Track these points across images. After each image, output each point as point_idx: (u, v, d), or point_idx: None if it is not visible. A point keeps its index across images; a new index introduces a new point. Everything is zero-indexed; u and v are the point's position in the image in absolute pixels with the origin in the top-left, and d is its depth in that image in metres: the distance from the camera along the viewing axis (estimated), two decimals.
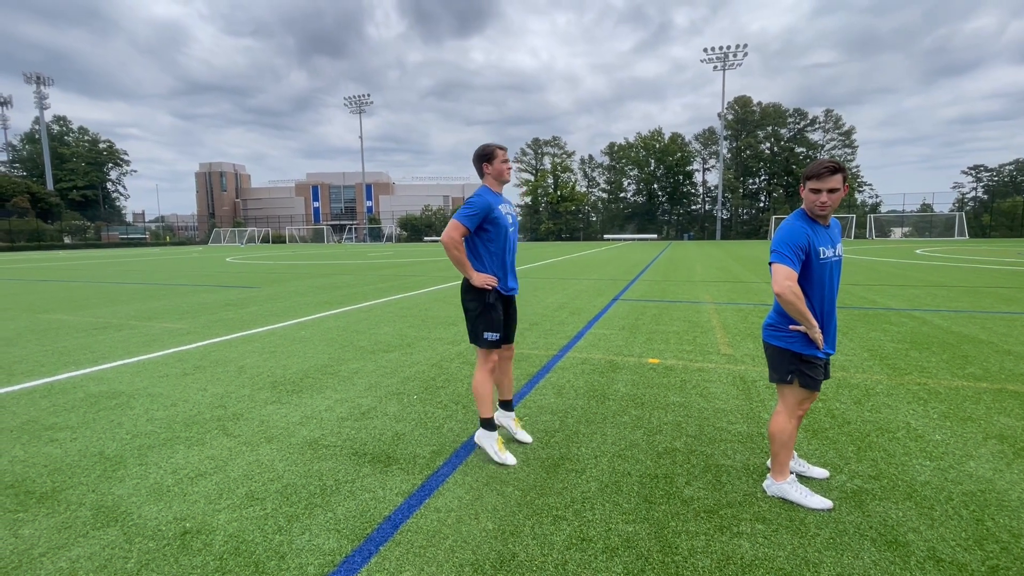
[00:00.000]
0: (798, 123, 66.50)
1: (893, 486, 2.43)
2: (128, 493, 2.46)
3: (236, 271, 17.04)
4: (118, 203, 78.79)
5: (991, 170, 62.62)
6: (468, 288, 2.84)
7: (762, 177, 69.00)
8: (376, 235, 73.50)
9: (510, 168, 2.92)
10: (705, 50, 58.76)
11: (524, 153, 74.75)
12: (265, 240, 69.64)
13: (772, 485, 2.37)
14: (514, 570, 1.89)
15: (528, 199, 71.08)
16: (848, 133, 65.07)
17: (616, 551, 1.99)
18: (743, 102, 67.20)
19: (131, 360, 5.00)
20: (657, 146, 69.58)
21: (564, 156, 73.19)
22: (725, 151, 64.55)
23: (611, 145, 73.29)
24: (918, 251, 24.06)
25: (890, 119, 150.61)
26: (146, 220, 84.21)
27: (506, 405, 3.11)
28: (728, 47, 57.41)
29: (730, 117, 66.42)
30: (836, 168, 2.15)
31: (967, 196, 61.24)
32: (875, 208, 59.43)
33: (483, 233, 2.79)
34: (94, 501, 2.39)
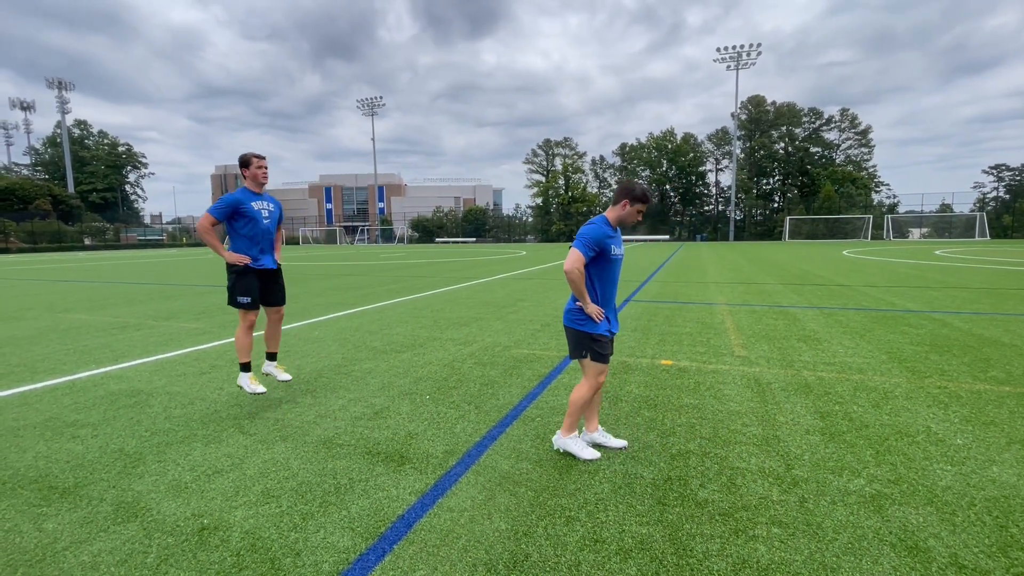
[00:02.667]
0: (813, 122, 65.67)
1: (913, 491, 2.39)
2: (147, 489, 2.51)
3: None
4: (136, 205, 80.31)
5: (1013, 169, 61.22)
6: (227, 263, 3.70)
7: (776, 177, 68.24)
8: (388, 236, 73.99)
9: (265, 172, 3.77)
10: (718, 49, 58.30)
11: (535, 154, 74.75)
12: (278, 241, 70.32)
13: (559, 439, 2.87)
14: (527, 570, 1.88)
15: (539, 200, 70.99)
16: (864, 132, 64.11)
17: (630, 553, 1.98)
18: (757, 102, 66.54)
19: (150, 359, 5.09)
20: (669, 147, 69.13)
21: (575, 157, 73.00)
22: (738, 151, 63.93)
23: (623, 146, 73.03)
24: (937, 252, 23.59)
25: (907, 118, 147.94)
26: (163, 222, 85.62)
27: (271, 356, 4.05)
28: (741, 46, 56.87)
29: (743, 117, 65.79)
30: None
31: (988, 196, 59.98)
32: (892, 208, 58.43)
33: (235, 222, 3.67)
34: (115, 497, 2.44)
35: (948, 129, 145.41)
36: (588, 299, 2.72)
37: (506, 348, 5.32)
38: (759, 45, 56.42)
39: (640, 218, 2.76)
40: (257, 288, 3.74)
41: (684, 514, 2.23)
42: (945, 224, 53.49)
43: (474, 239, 68.42)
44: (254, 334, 3.90)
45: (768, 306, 7.91)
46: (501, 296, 9.57)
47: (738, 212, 63.44)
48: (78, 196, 64.83)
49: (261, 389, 3.71)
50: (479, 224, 71.26)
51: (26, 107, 74.99)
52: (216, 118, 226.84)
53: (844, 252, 25.15)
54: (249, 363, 3.78)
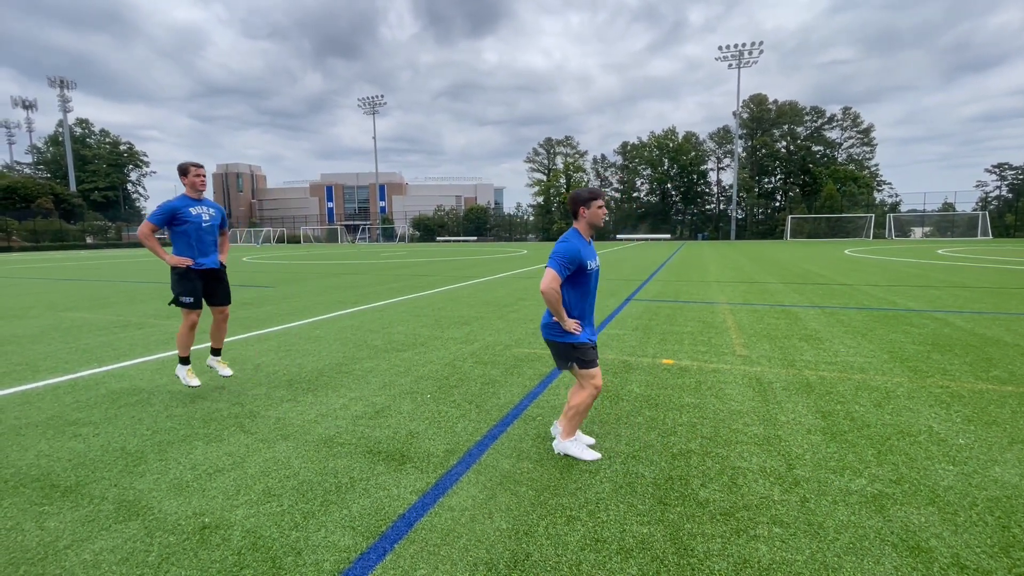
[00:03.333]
0: (815, 121, 65.47)
1: (915, 491, 2.38)
2: (149, 488, 2.51)
3: (252, 271, 17.29)
4: (138, 204, 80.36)
5: (1016, 168, 61.00)
6: (170, 265, 3.98)
7: (778, 176, 68.06)
8: (389, 235, 74.00)
9: (202, 180, 4.00)
10: (720, 48, 58.12)
11: (536, 153, 74.70)
12: (280, 240, 70.54)
13: (559, 444, 2.87)
14: (528, 570, 1.88)
15: (540, 199, 70.91)
16: (867, 131, 63.93)
17: (631, 552, 1.97)
18: (758, 100, 66.36)
19: (151, 358, 5.09)
20: (671, 145, 68.97)
21: (576, 156, 72.96)
22: (740, 150, 63.80)
23: (624, 145, 72.85)
24: (940, 251, 23.54)
25: (909, 117, 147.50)
26: None
27: (216, 352, 4.33)
28: (743, 45, 56.71)
29: (745, 116, 65.62)
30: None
31: (991, 195, 59.77)
32: (895, 207, 58.25)
33: (175, 227, 3.91)
34: (116, 495, 2.44)
35: (951, 128, 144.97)
36: (564, 316, 2.73)
37: (507, 347, 5.32)
38: (761, 43, 56.27)
39: (604, 212, 2.80)
40: (199, 288, 4.03)
41: (685, 513, 2.23)
42: (947, 223, 53.31)
43: (475, 238, 68.41)
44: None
45: (769, 305, 7.90)
46: (502, 295, 9.56)
47: (740, 211, 63.26)
48: (80, 195, 64.89)
49: (196, 382, 4.02)
50: (480, 223, 71.24)
51: (28, 106, 75.04)
52: (217, 117, 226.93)
53: (846, 251, 25.10)
54: (188, 357, 4.07)
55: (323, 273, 15.53)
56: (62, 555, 2.00)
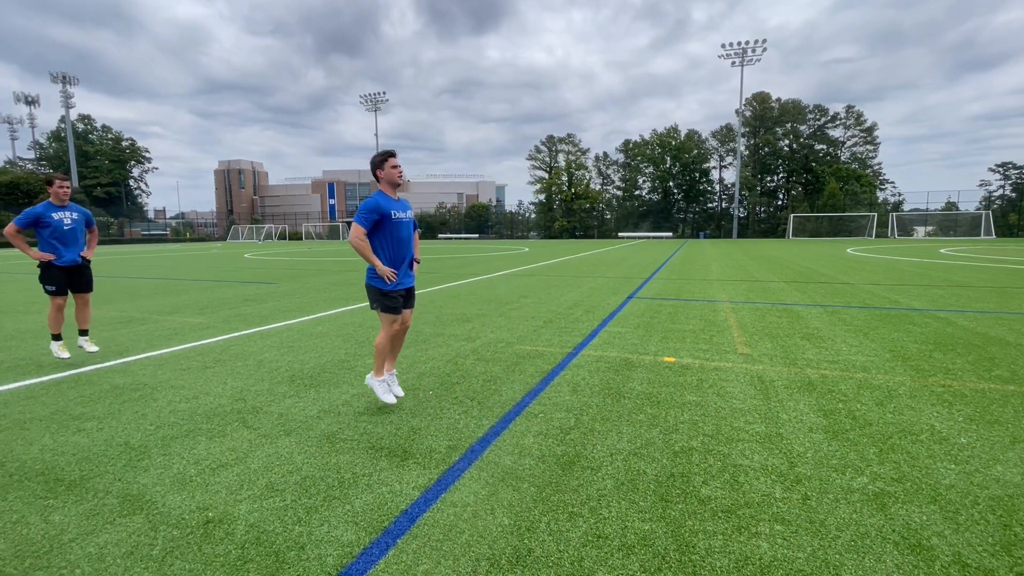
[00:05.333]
0: (818, 119, 65.27)
1: (917, 489, 2.38)
2: (152, 482, 2.52)
3: (254, 267, 17.31)
4: (140, 200, 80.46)
5: (1020, 167, 60.70)
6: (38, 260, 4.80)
7: (780, 175, 67.88)
8: None
9: (66, 192, 4.83)
10: (723, 46, 57.98)
11: (538, 150, 74.50)
12: (282, 237, 70.61)
13: (370, 379, 3.39)
14: (530, 565, 1.89)
15: (542, 196, 70.82)
16: (870, 130, 63.73)
17: (632, 549, 1.98)
18: (761, 98, 66.14)
19: (154, 353, 5.11)
20: (673, 143, 68.80)
21: (578, 154, 72.79)
22: (743, 148, 63.63)
23: (626, 142, 72.67)
24: (942, 250, 23.47)
25: (913, 115, 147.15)
26: (167, 217, 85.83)
27: (83, 332, 5.11)
28: (746, 42, 56.45)
29: (748, 114, 65.43)
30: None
31: (994, 194, 59.51)
32: (897, 206, 58.09)
33: (41, 230, 4.74)
34: (120, 489, 2.46)
35: (954, 126, 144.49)
36: (377, 262, 3.23)
37: (509, 344, 5.33)
38: (764, 41, 56.02)
39: (399, 171, 3.30)
40: (63, 279, 4.87)
41: (687, 511, 2.23)
42: (950, 222, 53.14)
43: (477, 235, 68.41)
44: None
45: (771, 304, 7.89)
46: (504, 292, 9.57)
47: (742, 209, 63.14)
48: (82, 191, 64.98)
49: (66, 355, 4.86)
50: (482, 220, 71.23)
51: (31, 101, 75.02)
52: (219, 113, 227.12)
53: (848, 250, 25.05)
54: (59, 335, 4.93)
55: (325, 270, 15.55)
56: (67, 548, 2.01)
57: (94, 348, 5.08)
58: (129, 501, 2.35)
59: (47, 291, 4.84)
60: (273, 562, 1.92)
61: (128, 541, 2.05)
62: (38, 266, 4.84)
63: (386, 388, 3.37)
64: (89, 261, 5.11)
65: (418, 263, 3.67)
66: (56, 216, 4.76)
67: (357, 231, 3.18)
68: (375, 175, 3.34)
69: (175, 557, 1.95)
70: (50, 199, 4.82)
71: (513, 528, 2.12)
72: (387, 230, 3.26)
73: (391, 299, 3.29)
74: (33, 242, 5.20)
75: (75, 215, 4.92)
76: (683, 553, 1.95)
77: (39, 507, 2.31)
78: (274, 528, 2.13)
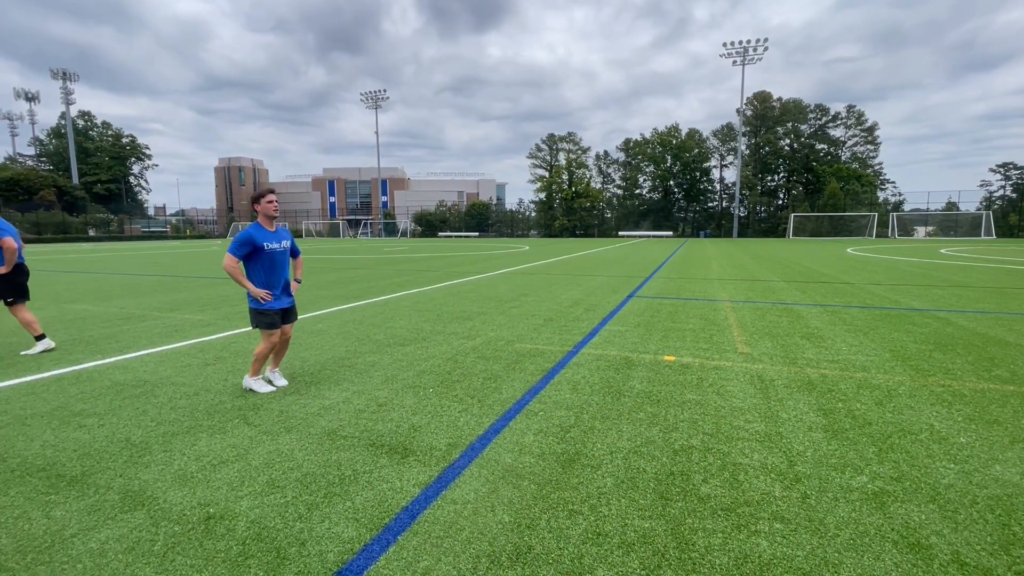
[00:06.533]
0: (819, 119, 65.10)
1: (916, 488, 2.39)
2: (154, 478, 2.53)
3: None
4: (140, 197, 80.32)
5: (1021, 168, 60.61)
6: None
7: (781, 174, 67.75)
8: (391, 230, 73.99)
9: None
10: (724, 44, 57.79)
11: (539, 149, 74.29)
12: None
13: (247, 380, 3.86)
14: (530, 562, 1.90)
15: (542, 195, 70.72)
16: (871, 129, 63.56)
17: (632, 546, 1.99)
18: (762, 97, 65.99)
19: (155, 350, 5.12)
20: (674, 142, 68.64)
21: (579, 152, 72.58)
22: (743, 147, 63.54)
23: (627, 141, 72.54)
24: (943, 251, 23.47)
25: (914, 115, 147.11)
26: (167, 214, 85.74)
27: None
28: (748, 41, 56.32)
29: (749, 113, 65.28)
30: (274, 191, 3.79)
31: (995, 195, 59.45)
32: (898, 206, 58.01)
33: None
34: (121, 485, 2.46)
35: (956, 126, 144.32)
36: (249, 285, 3.66)
37: (509, 343, 5.33)
38: (766, 40, 55.91)
39: (274, 207, 3.70)
40: None
41: (686, 509, 2.24)
42: (951, 223, 53.08)
43: (477, 233, 68.37)
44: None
45: (771, 303, 7.90)
46: (504, 291, 9.57)
47: (742, 209, 63.09)
48: (82, 187, 64.89)
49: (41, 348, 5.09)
50: (482, 219, 71.16)
51: (31, 98, 74.94)
52: (220, 110, 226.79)
53: (848, 250, 25.04)
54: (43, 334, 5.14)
55: (325, 268, 15.54)
56: (68, 543, 2.02)
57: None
58: (130, 497, 2.36)
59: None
60: (274, 558, 1.92)
61: (129, 537, 2.06)
62: None
63: (263, 384, 3.86)
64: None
65: (298, 283, 4.11)
66: None
67: (229, 260, 3.59)
68: (254, 208, 3.75)
69: (176, 553, 1.96)
70: None
71: (513, 525, 2.12)
72: (261, 258, 3.69)
73: (267, 316, 3.73)
74: None
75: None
76: (683, 551, 1.96)
77: (41, 503, 2.32)
78: (275, 524, 2.14)
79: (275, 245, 3.73)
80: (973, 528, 2.08)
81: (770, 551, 1.95)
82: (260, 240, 3.65)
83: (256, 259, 3.69)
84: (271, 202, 3.69)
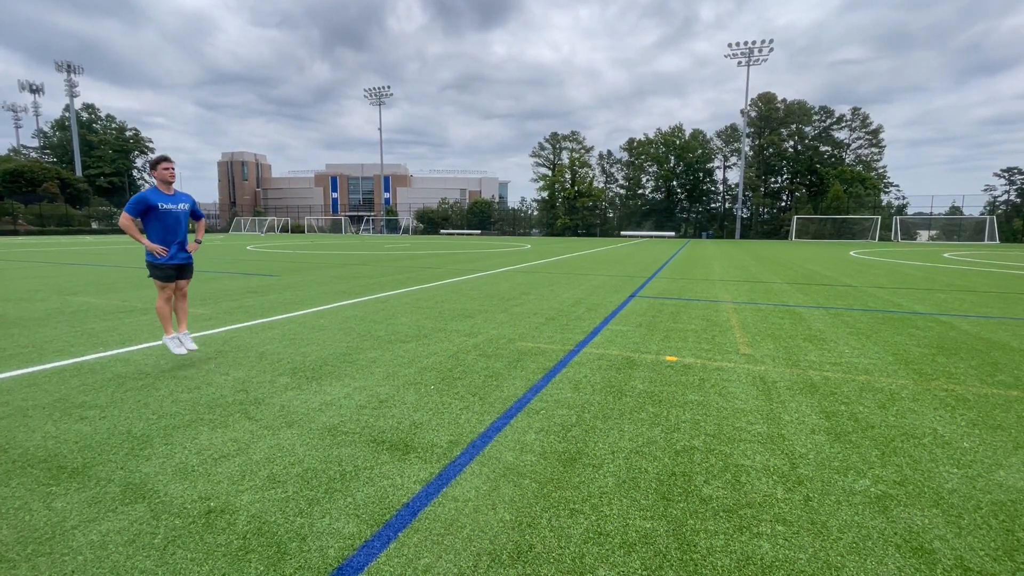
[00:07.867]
0: (824, 121, 64.87)
1: (919, 493, 2.38)
2: (155, 471, 2.53)
3: (256, 259, 17.32)
4: (143, 190, 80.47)
5: None
6: None
7: (784, 176, 67.56)
8: (393, 227, 73.99)
9: None
10: (729, 45, 57.60)
11: (542, 147, 74.25)
12: (284, 230, 70.64)
13: (164, 339, 4.29)
14: (531, 561, 1.89)
15: (545, 194, 70.66)
16: (875, 132, 63.34)
17: (633, 546, 1.98)
18: (767, 99, 65.79)
19: (156, 343, 5.12)
20: (677, 142, 68.49)
21: (582, 151, 72.47)
22: (747, 148, 63.39)
23: (630, 141, 72.37)
24: (946, 255, 23.40)
25: (919, 118, 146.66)
26: None
27: None
28: (753, 42, 56.12)
29: (753, 114, 65.09)
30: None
31: (999, 199, 59.25)
32: (901, 210, 57.85)
33: None
34: (122, 478, 2.46)
35: (961, 130, 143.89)
36: (144, 240, 4.14)
37: (511, 341, 5.32)
38: (771, 41, 55.74)
39: (170, 172, 4.20)
40: None
41: (688, 509, 2.23)
42: (954, 227, 52.89)
43: (479, 231, 68.33)
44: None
45: (774, 305, 7.88)
46: (506, 289, 9.56)
47: (745, 210, 62.97)
48: (86, 180, 64.98)
49: None
50: (484, 217, 71.09)
51: (35, 90, 74.99)
52: (224, 105, 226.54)
53: (851, 253, 24.98)
54: None
55: (327, 263, 15.55)
56: (69, 535, 2.02)
57: None
58: (131, 490, 2.35)
59: None
60: (274, 553, 1.92)
61: (130, 529, 2.06)
62: None
63: (177, 343, 4.27)
64: None
65: (199, 243, 4.59)
66: None
67: (124, 218, 4.09)
68: (152, 175, 4.26)
69: (177, 546, 1.95)
70: None
71: (514, 524, 2.12)
72: (157, 217, 4.15)
73: (162, 270, 4.21)
74: None
75: None
76: (684, 552, 1.95)
77: (42, 494, 2.32)
78: (275, 519, 2.13)
79: (170, 206, 4.19)
80: (977, 533, 2.07)
81: (772, 553, 1.94)
82: (154, 200, 4.12)
83: (152, 217, 4.15)
84: (167, 168, 4.19)
